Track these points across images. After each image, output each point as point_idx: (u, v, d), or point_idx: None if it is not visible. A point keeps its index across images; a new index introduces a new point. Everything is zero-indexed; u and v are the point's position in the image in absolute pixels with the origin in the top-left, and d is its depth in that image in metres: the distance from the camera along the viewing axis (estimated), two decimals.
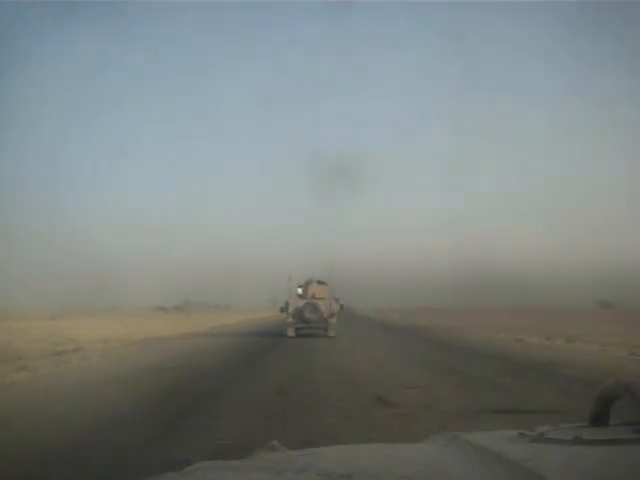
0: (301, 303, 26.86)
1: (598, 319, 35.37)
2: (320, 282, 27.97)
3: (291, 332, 26.65)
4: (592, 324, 30.14)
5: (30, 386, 11.05)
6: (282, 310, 28.28)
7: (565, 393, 9.18)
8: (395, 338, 28.79)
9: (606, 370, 11.34)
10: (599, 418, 1.27)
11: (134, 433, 6.58)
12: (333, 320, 26.99)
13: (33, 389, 10.66)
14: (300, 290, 27.72)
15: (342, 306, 28.93)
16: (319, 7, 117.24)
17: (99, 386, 10.74)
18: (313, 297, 27.18)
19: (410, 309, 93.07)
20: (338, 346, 20.95)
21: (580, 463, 1.02)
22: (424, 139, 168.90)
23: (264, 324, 42.70)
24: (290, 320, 26.99)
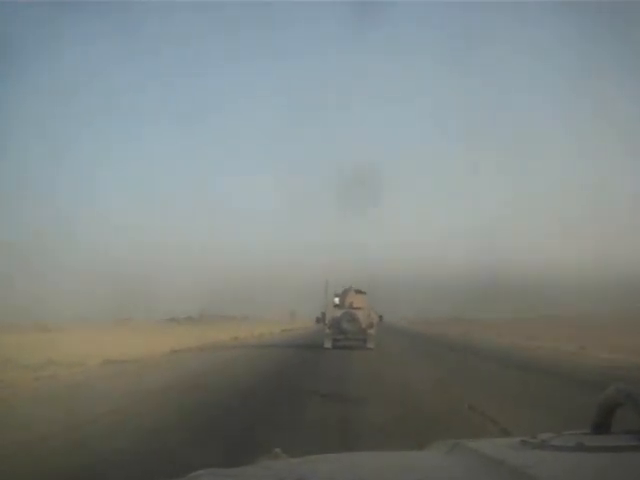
0: (338, 313, 26.84)
1: None
2: (358, 291, 27.96)
3: (328, 343, 26.69)
4: None
5: None
6: (318, 320, 28.38)
7: None
8: None
9: None
10: (601, 425, 1.32)
11: None
12: (372, 331, 26.98)
13: None
14: (337, 300, 27.75)
15: (381, 317, 29.04)
16: (338, 11, 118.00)
17: None
18: (351, 307, 27.24)
19: (436, 320, 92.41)
20: None
21: (582, 470, 1.06)
22: (446, 149, 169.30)
23: (288, 338, 42.26)
24: (327, 331, 27.02)
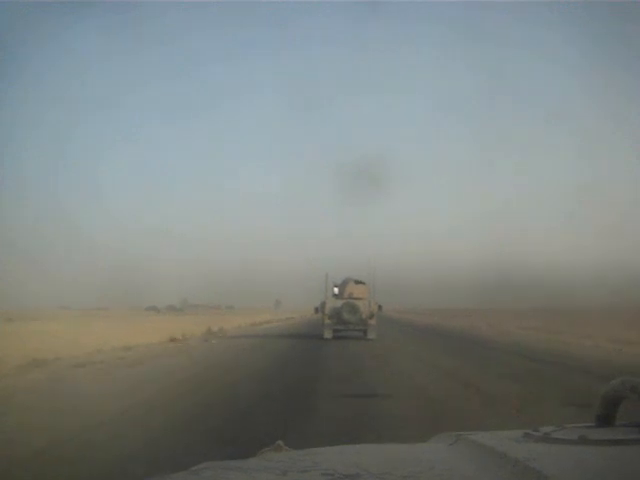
0: (339, 303, 26.98)
1: None
2: (358, 281, 28.24)
3: (328, 334, 26.83)
4: None
5: None
6: (317, 311, 28.69)
7: None
8: None
9: None
10: (605, 418, 1.34)
11: None
12: (373, 321, 27.23)
13: None
14: (336, 290, 28.00)
15: (380, 307, 29.42)
16: (343, 6, 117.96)
17: None
18: (351, 297, 27.50)
19: (429, 311, 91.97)
20: None
21: (585, 463, 1.08)
22: (451, 141, 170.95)
23: (262, 337, 36.32)
24: (327, 321, 27.10)
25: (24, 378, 13.18)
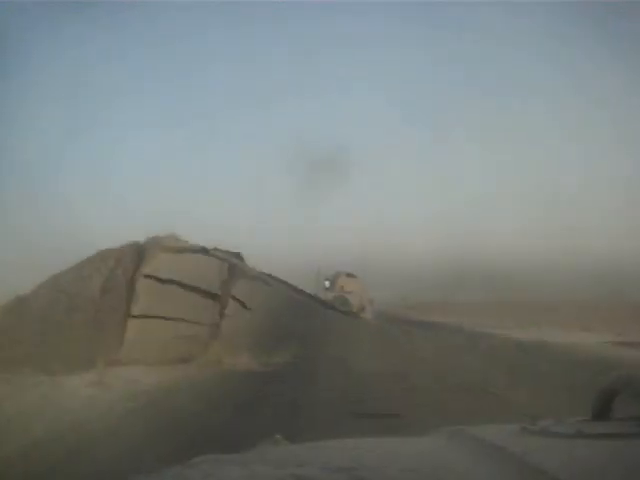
0: (329, 296, 27.11)
1: None
2: (349, 275, 28.32)
3: None
4: None
5: None
6: None
7: None
8: None
9: None
10: (601, 412, 1.38)
11: None
12: (365, 315, 27.36)
13: None
14: (327, 283, 28.03)
15: (372, 301, 29.43)
16: (306, 5, 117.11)
17: None
18: (342, 290, 27.54)
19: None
20: None
21: (582, 457, 1.10)
22: (423, 135, 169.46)
23: None
24: None
25: None
